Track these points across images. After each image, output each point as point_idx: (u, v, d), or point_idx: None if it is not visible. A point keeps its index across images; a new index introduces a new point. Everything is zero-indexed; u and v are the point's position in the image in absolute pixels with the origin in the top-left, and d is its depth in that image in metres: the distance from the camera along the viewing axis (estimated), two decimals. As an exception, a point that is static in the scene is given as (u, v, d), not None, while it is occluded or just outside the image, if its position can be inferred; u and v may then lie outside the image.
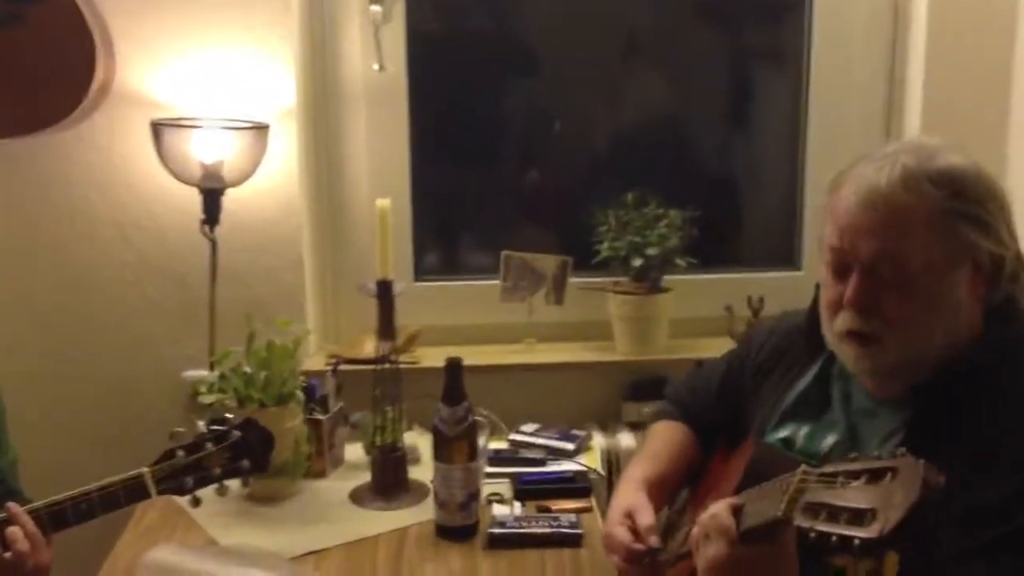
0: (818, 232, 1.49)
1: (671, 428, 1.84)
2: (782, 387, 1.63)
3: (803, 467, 1.12)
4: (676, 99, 2.83)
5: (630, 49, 2.78)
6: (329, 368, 2.17)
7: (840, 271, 1.40)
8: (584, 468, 2.04)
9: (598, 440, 2.32)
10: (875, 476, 1.01)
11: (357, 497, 1.97)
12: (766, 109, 2.82)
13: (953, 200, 1.32)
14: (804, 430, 1.55)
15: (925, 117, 2.55)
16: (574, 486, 1.98)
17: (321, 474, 2.06)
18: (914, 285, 1.33)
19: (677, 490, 1.78)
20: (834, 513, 1.02)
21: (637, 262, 2.52)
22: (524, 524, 1.80)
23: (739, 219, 2.87)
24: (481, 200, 2.83)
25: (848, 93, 2.67)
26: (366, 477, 2.03)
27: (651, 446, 1.81)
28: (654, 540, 1.57)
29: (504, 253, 2.61)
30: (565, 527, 1.80)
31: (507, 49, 2.75)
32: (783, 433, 1.57)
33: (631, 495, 1.67)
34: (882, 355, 1.37)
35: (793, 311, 1.84)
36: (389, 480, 1.96)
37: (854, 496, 1.02)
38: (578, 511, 1.89)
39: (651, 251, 2.51)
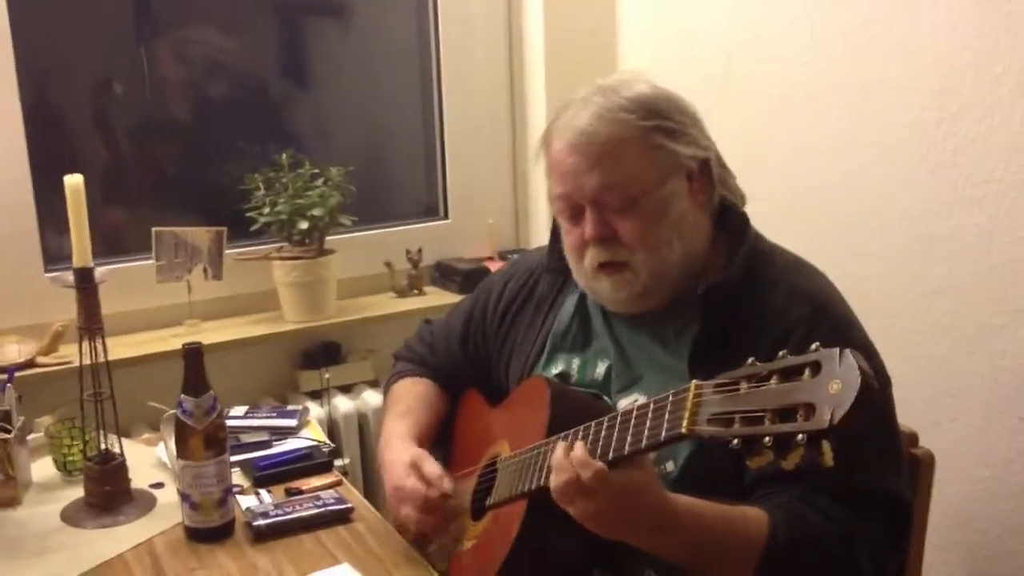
0: (548, 190, 1.55)
1: (418, 384, 1.81)
2: (538, 325, 1.67)
3: (694, 382, 1.12)
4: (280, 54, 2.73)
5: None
6: (4, 377, 1.84)
7: (574, 215, 1.49)
8: (316, 442, 1.94)
9: (314, 411, 2.22)
10: (789, 374, 1.04)
11: (73, 518, 1.71)
12: (396, 60, 2.81)
13: (647, 119, 1.44)
14: (576, 362, 1.60)
15: (548, 62, 2.71)
16: (313, 462, 1.87)
17: (13, 502, 1.75)
18: (639, 205, 1.44)
19: (436, 443, 1.75)
20: (752, 418, 1.04)
21: (303, 225, 2.42)
22: (288, 510, 1.67)
23: (383, 173, 2.84)
24: (115, 174, 2.54)
25: (473, 41, 2.75)
26: (69, 496, 1.77)
27: (402, 404, 1.77)
28: (447, 484, 1.54)
29: (155, 230, 2.37)
30: (332, 504, 1.70)
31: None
32: (556, 369, 1.61)
33: (406, 449, 1.63)
34: (634, 278, 1.46)
35: (522, 254, 1.89)
36: (111, 492, 1.72)
37: (769, 397, 1.04)
38: (331, 486, 1.79)
39: (316, 211, 2.42)
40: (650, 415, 1.18)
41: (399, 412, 1.75)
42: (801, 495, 1.31)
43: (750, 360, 1.08)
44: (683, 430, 1.11)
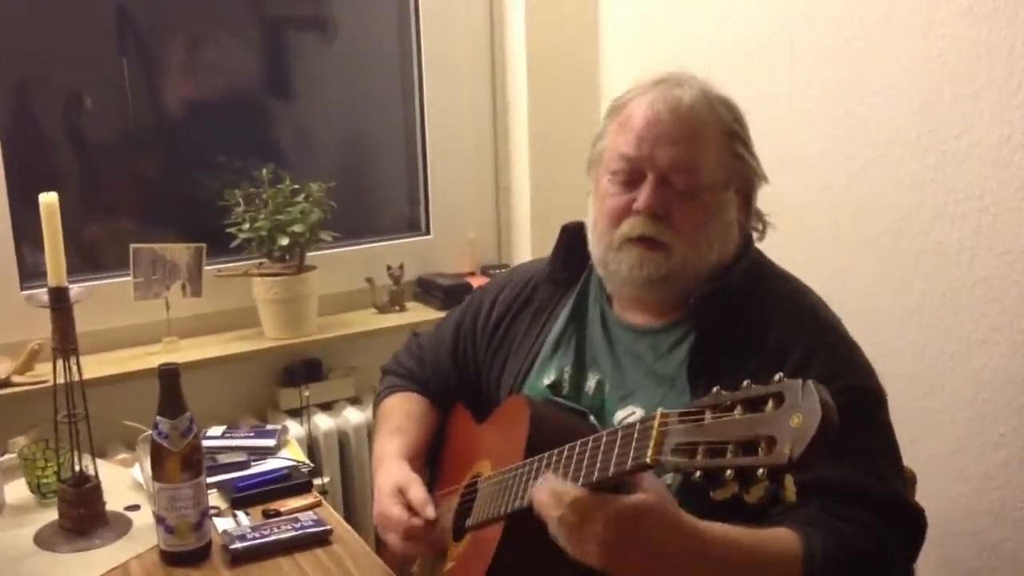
0: (591, 154, 1.54)
1: (407, 399, 1.78)
2: (534, 335, 1.64)
3: (660, 410, 1.10)
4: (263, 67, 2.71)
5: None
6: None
7: (629, 181, 1.46)
8: (295, 462, 1.92)
9: (293, 429, 2.20)
10: (752, 405, 1.02)
11: (47, 542, 1.68)
12: (378, 74, 2.79)
13: (735, 124, 1.47)
14: (568, 371, 1.57)
15: (530, 77, 2.70)
16: (292, 483, 1.85)
17: (-15, 525, 1.73)
18: (702, 196, 1.44)
19: (428, 460, 1.74)
20: (716, 449, 1.02)
21: (283, 241, 2.40)
22: (265, 532, 1.65)
23: (364, 188, 2.83)
24: (94, 189, 2.53)
25: (455, 56, 2.74)
26: (43, 519, 1.74)
27: (393, 421, 1.74)
28: (430, 512, 1.52)
29: (132, 246, 2.35)
30: (310, 526, 1.68)
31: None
32: (548, 378, 1.58)
33: (396, 471, 1.60)
34: (666, 262, 1.44)
35: (518, 265, 1.86)
36: (86, 515, 1.70)
37: (732, 429, 1.01)
38: (310, 507, 1.77)
39: (297, 228, 2.40)
40: (618, 443, 1.16)
41: (390, 430, 1.72)
42: (826, 505, 1.28)
43: (715, 389, 1.07)
44: (647, 460, 1.09)
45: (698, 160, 1.43)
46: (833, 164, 2.11)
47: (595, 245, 1.53)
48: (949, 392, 1.94)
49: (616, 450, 1.16)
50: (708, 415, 1.05)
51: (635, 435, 1.13)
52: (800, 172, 2.18)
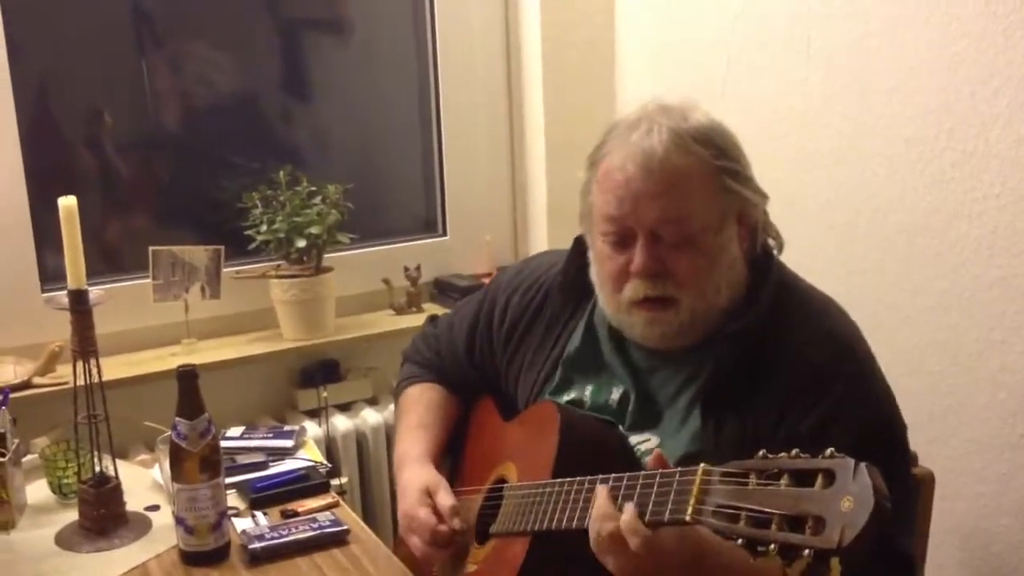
0: (581, 209, 1.49)
1: (430, 391, 1.78)
2: (548, 347, 1.61)
3: (703, 466, 1.09)
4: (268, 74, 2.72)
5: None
6: (-1, 400, 1.84)
7: (621, 241, 1.41)
8: (312, 463, 1.93)
9: (311, 430, 2.21)
10: (800, 478, 0.99)
11: (67, 542, 1.70)
12: (394, 76, 2.80)
13: (719, 158, 1.39)
14: (589, 389, 1.55)
15: (546, 77, 2.70)
16: (310, 484, 1.86)
17: (8, 525, 1.74)
18: (697, 243, 1.38)
19: (448, 449, 1.74)
20: (760, 519, 0.99)
21: (301, 243, 2.41)
22: (283, 533, 1.67)
23: (381, 190, 2.84)
24: (115, 191, 2.55)
25: (470, 57, 2.75)
26: (64, 519, 1.76)
27: (415, 415, 1.74)
28: (457, 523, 1.52)
29: (152, 249, 2.37)
30: (328, 526, 1.69)
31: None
32: (568, 397, 1.56)
33: (424, 473, 1.61)
34: (676, 318, 1.40)
35: (526, 262, 1.82)
36: (106, 516, 1.71)
37: (778, 500, 0.99)
38: (328, 508, 1.78)
39: (314, 230, 2.41)
40: (656, 488, 1.15)
41: (412, 424, 1.72)
42: None
43: (761, 453, 1.05)
44: (687, 517, 1.08)
45: (684, 209, 1.36)
46: (850, 162, 2.10)
47: (605, 305, 1.48)
48: (968, 392, 1.92)
49: (653, 497, 1.15)
50: (753, 479, 1.03)
51: (674, 485, 1.13)
52: (816, 170, 2.17)
